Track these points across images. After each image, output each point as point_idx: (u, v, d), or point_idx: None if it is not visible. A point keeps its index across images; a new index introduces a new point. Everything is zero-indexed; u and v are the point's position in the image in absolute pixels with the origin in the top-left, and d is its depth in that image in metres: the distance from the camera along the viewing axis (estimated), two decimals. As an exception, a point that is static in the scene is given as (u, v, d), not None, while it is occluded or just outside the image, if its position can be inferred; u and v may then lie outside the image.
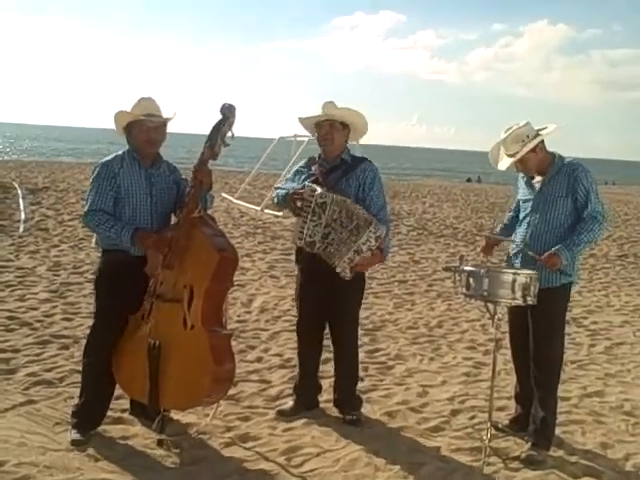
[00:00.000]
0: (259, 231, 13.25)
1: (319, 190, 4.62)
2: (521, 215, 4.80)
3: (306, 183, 4.76)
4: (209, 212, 4.59)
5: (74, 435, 4.40)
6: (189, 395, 4.31)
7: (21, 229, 11.87)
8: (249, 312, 7.83)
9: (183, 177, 4.73)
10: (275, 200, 5.02)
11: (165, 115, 4.52)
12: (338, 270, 4.59)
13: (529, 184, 4.74)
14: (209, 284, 4.28)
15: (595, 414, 5.41)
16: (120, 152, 4.53)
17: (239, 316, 7.61)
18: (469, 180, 46.22)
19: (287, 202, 4.81)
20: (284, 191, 4.89)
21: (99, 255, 4.64)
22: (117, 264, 4.42)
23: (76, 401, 4.59)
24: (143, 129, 4.42)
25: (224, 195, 18.77)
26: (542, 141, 4.62)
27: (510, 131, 4.59)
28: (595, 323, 8.29)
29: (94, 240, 4.64)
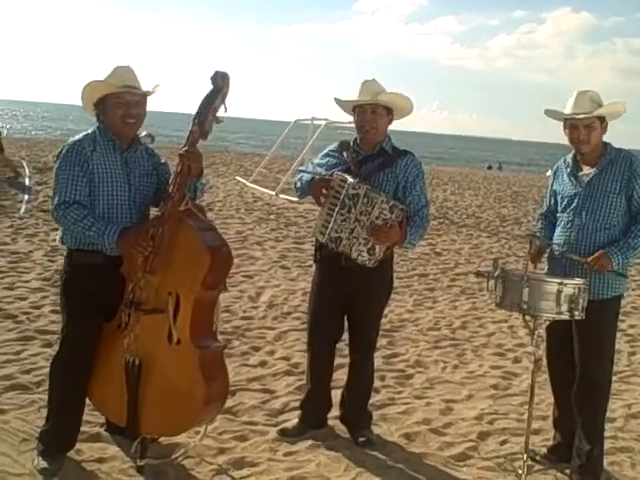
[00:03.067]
0: (272, 217, 12.58)
1: (350, 180, 3.94)
2: (562, 212, 4.07)
3: (335, 171, 4.06)
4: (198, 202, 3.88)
5: (42, 463, 3.69)
6: (176, 420, 3.63)
7: (22, 210, 11.26)
8: (256, 307, 7.16)
9: (163, 161, 4.02)
10: (298, 184, 4.31)
11: (145, 88, 3.76)
12: (354, 256, 3.92)
13: (574, 176, 4.01)
14: (199, 290, 3.57)
15: (644, 440, 4.70)
16: (90, 131, 3.75)
17: (245, 312, 6.95)
18: (490, 167, 45.32)
19: (312, 189, 4.12)
20: (309, 176, 4.21)
21: (65, 255, 3.85)
22: (89, 267, 3.66)
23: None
24: (121, 103, 3.65)
25: (238, 178, 18.14)
26: (607, 123, 3.92)
27: (587, 91, 3.91)
28: (633, 327, 7.55)
29: (58, 237, 3.83)
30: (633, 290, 9.44)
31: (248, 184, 16.97)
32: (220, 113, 3.70)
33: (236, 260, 8.99)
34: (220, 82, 3.65)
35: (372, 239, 3.88)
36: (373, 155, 4.15)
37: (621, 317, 7.74)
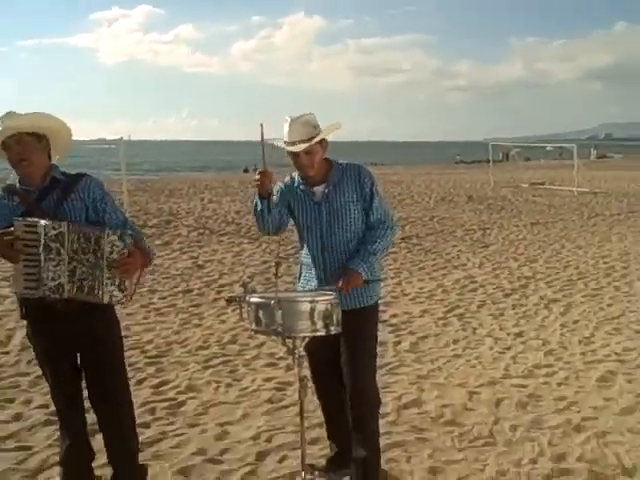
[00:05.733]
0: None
1: (42, 222, 3.44)
2: (305, 231, 4.01)
3: (14, 219, 3.49)
4: None
5: None
6: None
7: None
8: (7, 352, 6.50)
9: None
10: None
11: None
12: (106, 300, 3.54)
13: (311, 192, 3.96)
14: None
15: (416, 430, 4.81)
16: None
17: (-6, 360, 6.29)
18: (246, 171, 45.88)
19: None
20: None
21: None
22: None
23: None
24: None
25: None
26: (327, 140, 3.92)
27: (298, 116, 3.83)
28: (395, 316, 7.84)
29: None
30: (392, 279, 9.84)
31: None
32: None
33: (-19, 302, 8.24)
34: None
35: (119, 275, 3.55)
36: (47, 188, 3.66)
37: (383, 307, 8.07)
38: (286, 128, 3.84)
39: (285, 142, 3.85)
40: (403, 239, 13.47)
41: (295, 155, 3.86)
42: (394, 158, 70.48)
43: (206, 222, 15.58)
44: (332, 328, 3.45)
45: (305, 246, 4.06)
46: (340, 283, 3.77)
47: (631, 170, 41.04)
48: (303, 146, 3.79)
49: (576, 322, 7.54)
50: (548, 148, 60.19)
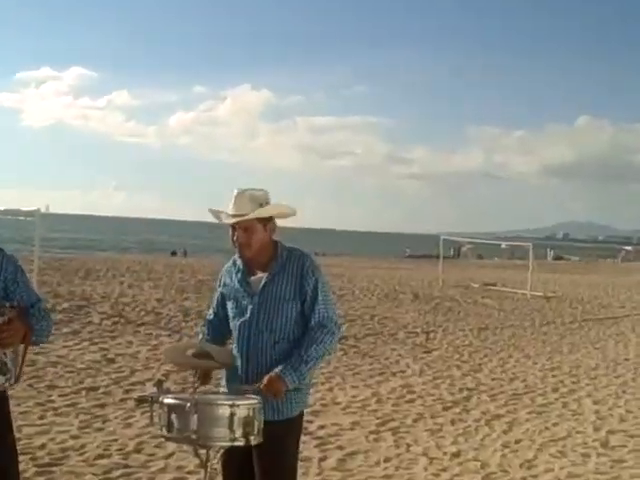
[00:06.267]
0: None
1: None
2: (234, 323, 3.99)
3: None
4: None
5: None
6: None
7: None
8: None
9: None
10: None
11: None
12: None
13: (245, 282, 3.95)
14: None
15: None
16: None
17: None
18: (174, 253, 45.71)
19: None
20: None
21: None
22: None
23: None
24: None
25: None
26: (275, 222, 3.92)
27: (246, 190, 3.86)
28: (323, 428, 7.73)
29: None
30: (323, 384, 9.76)
31: None
32: None
33: None
34: None
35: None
36: None
37: (310, 417, 8.03)
38: (232, 200, 3.85)
39: (227, 214, 3.87)
40: (339, 340, 13.40)
41: (233, 230, 3.85)
42: (339, 247, 71.20)
43: (123, 309, 15.35)
44: (252, 438, 3.39)
45: (235, 341, 3.99)
46: (262, 385, 3.67)
47: (587, 274, 42.24)
48: (235, 220, 3.79)
49: (519, 442, 7.55)
50: (503, 246, 61.56)
